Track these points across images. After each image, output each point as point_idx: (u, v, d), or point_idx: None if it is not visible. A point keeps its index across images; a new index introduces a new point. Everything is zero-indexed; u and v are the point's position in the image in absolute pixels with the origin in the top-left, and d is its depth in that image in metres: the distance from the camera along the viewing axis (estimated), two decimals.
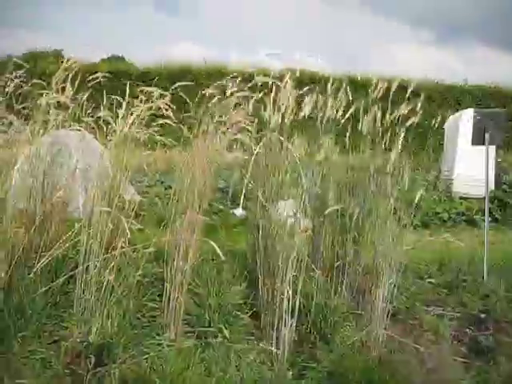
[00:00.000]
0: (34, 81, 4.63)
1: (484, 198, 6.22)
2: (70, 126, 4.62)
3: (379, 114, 4.82)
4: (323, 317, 4.31)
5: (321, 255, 4.87)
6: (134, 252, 3.94)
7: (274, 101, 4.49)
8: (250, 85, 4.32)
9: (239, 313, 4.32)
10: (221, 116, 4.05)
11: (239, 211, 7.33)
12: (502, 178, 9.75)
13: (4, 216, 4.03)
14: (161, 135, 4.18)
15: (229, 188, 8.00)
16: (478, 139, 5.95)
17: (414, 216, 4.55)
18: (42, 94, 4.46)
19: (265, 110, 4.51)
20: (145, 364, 3.60)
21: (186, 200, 3.92)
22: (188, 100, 4.10)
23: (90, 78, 4.48)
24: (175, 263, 3.92)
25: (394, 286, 4.43)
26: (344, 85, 4.94)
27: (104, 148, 4.29)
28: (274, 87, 4.49)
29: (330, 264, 4.80)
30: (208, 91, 4.07)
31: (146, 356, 3.66)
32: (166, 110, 3.93)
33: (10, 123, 4.31)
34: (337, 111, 4.88)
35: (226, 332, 4.02)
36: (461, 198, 9.50)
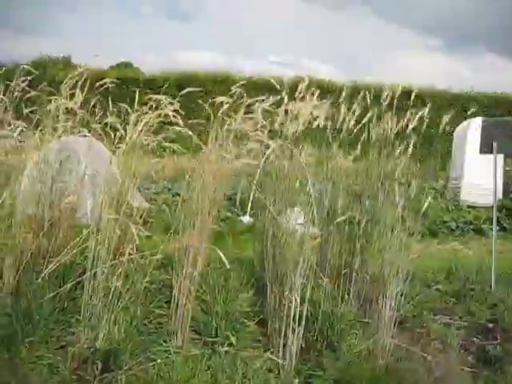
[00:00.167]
0: (42, 85, 4.67)
1: (492, 206, 6.20)
2: (79, 131, 4.64)
3: (390, 122, 4.83)
4: (330, 325, 4.29)
5: (328, 263, 4.86)
6: (141, 259, 3.94)
7: (286, 110, 4.50)
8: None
9: (246, 320, 4.32)
10: (230, 124, 4.05)
11: (246, 218, 7.34)
12: (510, 187, 9.71)
13: (13, 221, 4.05)
14: (170, 142, 4.19)
15: (236, 195, 8.00)
16: (485, 148, 5.94)
17: (422, 224, 4.54)
18: (50, 100, 4.48)
19: (276, 118, 4.52)
20: (152, 371, 3.60)
21: (196, 207, 3.93)
22: (196, 107, 4.11)
23: (98, 84, 4.50)
24: (184, 270, 3.92)
25: (402, 294, 4.42)
26: (362, 93, 4.96)
27: (112, 154, 4.31)
28: (286, 96, 4.52)
29: (338, 272, 4.80)
30: (218, 99, 4.07)
31: (153, 363, 3.66)
32: (175, 116, 3.93)
33: (21, 130, 4.33)
34: (349, 121, 4.90)
35: (233, 339, 4.02)
36: (469, 206, 9.48)
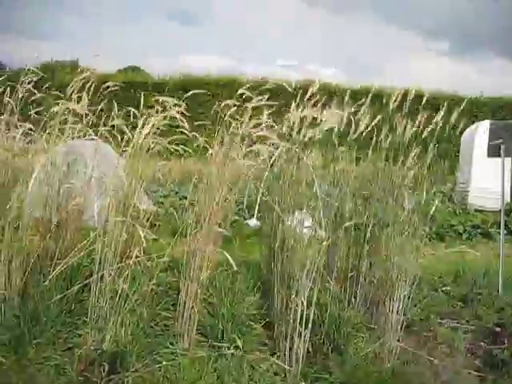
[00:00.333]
0: (47, 84, 4.69)
1: (500, 210, 6.18)
2: (86, 134, 4.65)
3: (401, 126, 4.83)
4: (337, 328, 4.28)
5: (335, 266, 4.86)
6: (148, 261, 3.95)
7: (302, 118, 4.50)
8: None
9: (252, 323, 4.32)
10: (235, 127, 4.05)
11: (253, 222, 7.35)
12: None
13: (20, 224, 4.07)
14: (176, 144, 4.19)
15: (243, 198, 8.00)
16: (493, 151, 5.92)
17: (430, 228, 4.53)
18: (57, 103, 4.50)
19: (284, 122, 4.52)
20: (158, 373, 3.60)
21: (205, 210, 3.93)
22: (203, 110, 4.12)
23: (102, 87, 4.52)
24: (191, 273, 3.92)
25: (409, 297, 4.41)
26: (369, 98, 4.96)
27: (119, 157, 4.32)
28: (297, 100, 4.53)
29: (345, 275, 4.80)
30: (225, 102, 4.08)
31: (160, 365, 3.66)
32: (181, 119, 3.94)
33: (27, 132, 4.34)
34: (357, 125, 4.90)
35: (240, 342, 4.01)
36: (476, 210, 9.46)
